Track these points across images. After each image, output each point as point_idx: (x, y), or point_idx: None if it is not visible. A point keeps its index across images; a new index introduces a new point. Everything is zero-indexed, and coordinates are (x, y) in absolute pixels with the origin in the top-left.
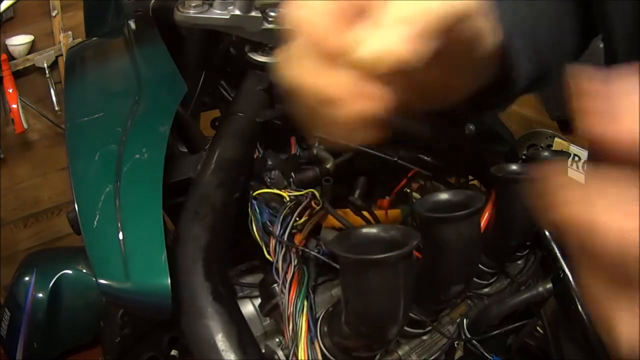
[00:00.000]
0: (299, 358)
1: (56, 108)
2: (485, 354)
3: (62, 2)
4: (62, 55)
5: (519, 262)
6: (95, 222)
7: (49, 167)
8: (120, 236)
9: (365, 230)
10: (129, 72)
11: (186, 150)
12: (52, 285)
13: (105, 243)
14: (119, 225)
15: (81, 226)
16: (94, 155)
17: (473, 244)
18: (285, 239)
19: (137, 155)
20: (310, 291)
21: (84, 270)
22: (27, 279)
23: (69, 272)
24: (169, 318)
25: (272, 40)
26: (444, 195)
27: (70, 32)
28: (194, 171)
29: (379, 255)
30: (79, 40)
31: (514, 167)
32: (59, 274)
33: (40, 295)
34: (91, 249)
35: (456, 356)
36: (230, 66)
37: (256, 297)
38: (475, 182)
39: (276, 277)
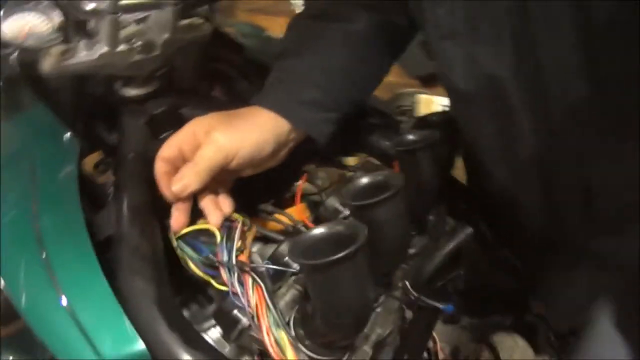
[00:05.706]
0: None
1: None
2: (438, 305)
3: None
4: None
5: (430, 217)
6: (35, 304)
7: None
8: (75, 313)
9: (313, 232)
10: (15, 142)
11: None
12: None
13: (57, 325)
14: (66, 301)
15: (22, 311)
16: (9, 231)
17: (403, 217)
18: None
19: (58, 224)
20: (274, 302)
21: None
22: None
23: None
24: None
25: (142, 70)
26: (364, 180)
27: None
28: (111, 227)
29: (340, 253)
30: None
31: (410, 137)
32: None
33: None
34: (47, 335)
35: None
36: (104, 106)
37: (212, 327)
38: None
39: (236, 302)
